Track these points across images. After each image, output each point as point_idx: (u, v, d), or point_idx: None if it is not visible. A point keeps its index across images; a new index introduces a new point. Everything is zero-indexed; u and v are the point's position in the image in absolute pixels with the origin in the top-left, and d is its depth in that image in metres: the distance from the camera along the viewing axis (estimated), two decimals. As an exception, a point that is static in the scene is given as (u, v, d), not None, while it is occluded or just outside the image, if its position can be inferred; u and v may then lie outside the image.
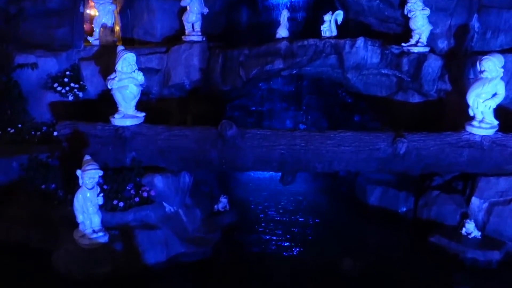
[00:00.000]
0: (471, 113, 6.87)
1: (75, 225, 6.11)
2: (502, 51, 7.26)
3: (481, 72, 6.67)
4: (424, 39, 8.01)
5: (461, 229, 6.83)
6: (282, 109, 9.73)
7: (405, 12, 8.00)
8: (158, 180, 6.57)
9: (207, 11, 8.06)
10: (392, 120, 8.32)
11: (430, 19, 7.90)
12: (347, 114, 9.47)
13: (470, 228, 6.77)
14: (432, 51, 8.06)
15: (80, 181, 5.97)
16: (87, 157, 6.05)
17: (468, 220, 6.82)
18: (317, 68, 8.19)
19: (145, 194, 6.46)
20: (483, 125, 6.77)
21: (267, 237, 7.11)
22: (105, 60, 7.76)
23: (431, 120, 7.80)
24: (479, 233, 6.74)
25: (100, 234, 6.04)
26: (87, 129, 6.89)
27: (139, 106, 7.07)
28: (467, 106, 6.87)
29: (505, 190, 6.78)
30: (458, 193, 7.39)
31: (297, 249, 6.80)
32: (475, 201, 6.96)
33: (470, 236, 6.74)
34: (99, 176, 6.02)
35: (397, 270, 6.28)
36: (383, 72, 8.19)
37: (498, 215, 6.71)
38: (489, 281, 6.20)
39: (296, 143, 6.75)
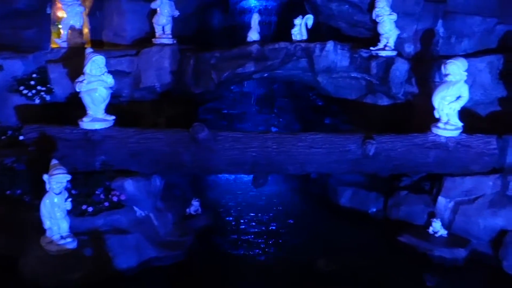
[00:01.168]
0: (436, 115, 7.08)
1: (43, 231, 5.96)
2: (466, 55, 7.51)
3: (446, 75, 6.89)
4: (391, 43, 8.21)
5: (429, 228, 7.01)
6: (254, 112, 9.78)
7: (373, 17, 8.18)
8: (129, 184, 6.49)
9: (178, 13, 8.04)
10: (362, 122, 8.48)
11: (397, 23, 8.10)
12: (319, 117, 9.59)
13: (437, 227, 6.95)
14: (399, 55, 8.26)
15: (47, 186, 5.83)
16: (54, 161, 5.92)
17: (435, 219, 7.01)
18: (289, 71, 8.29)
19: (115, 199, 6.37)
20: (448, 126, 6.98)
21: (240, 239, 7.12)
22: (74, 63, 7.62)
23: (399, 122, 7.98)
24: (446, 232, 6.93)
25: (69, 240, 5.91)
26: (54, 133, 6.75)
27: (109, 109, 6.97)
28: (433, 108, 7.08)
29: (470, 189, 7.00)
30: (426, 193, 7.58)
31: (271, 251, 6.84)
32: (441, 200, 7.16)
33: (437, 235, 6.92)
34: (67, 181, 5.90)
35: (367, 269, 6.40)
36: (352, 75, 8.35)
37: (463, 213, 6.91)
38: (456, 277, 6.38)
39: (268, 145, 6.80)
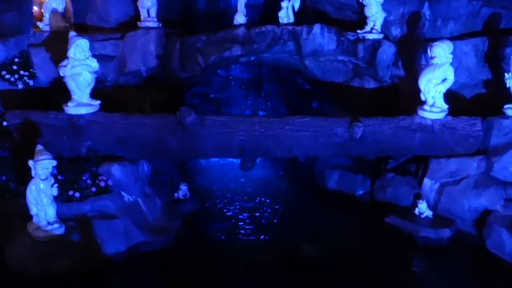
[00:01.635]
0: (422, 97, 7.13)
1: (29, 218, 5.91)
2: (452, 38, 7.55)
3: (432, 58, 6.92)
4: (378, 26, 8.20)
5: (414, 210, 7.11)
6: (241, 96, 9.73)
7: (360, 0, 8.15)
8: (116, 169, 6.44)
9: (163, -4, 7.92)
10: (349, 105, 8.51)
11: (384, 6, 8.08)
12: (306, 101, 9.58)
13: (423, 208, 7.05)
14: (386, 37, 8.27)
15: (33, 172, 5.76)
16: (39, 147, 5.83)
17: (420, 201, 7.10)
18: (276, 54, 8.25)
19: (102, 184, 6.32)
20: (434, 109, 7.04)
21: (229, 223, 7.15)
22: (57, 47, 7.47)
23: (386, 105, 8.03)
24: (431, 213, 7.04)
25: (56, 226, 5.86)
26: (39, 119, 6.64)
27: (94, 94, 6.87)
28: (419, 91, 7.12)
29: (455, 170, 7.10)
30: (412, 175, 7.67)
31: (259, 235, 6.88)
32: (427, 182, 7.25)
33: (422, 216, 7.03)
34: (53, 167, 5.83)
35: (354, 251, 6.49)
36: (339, 58, 8.34)
37: (448, 195, 7.02)
38: (440, 257, 6.51)
39: (255, 129, 6.79)
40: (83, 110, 6.70)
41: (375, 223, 7.16)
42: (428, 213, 7.03)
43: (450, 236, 6.76)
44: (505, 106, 6.99)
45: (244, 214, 7.39)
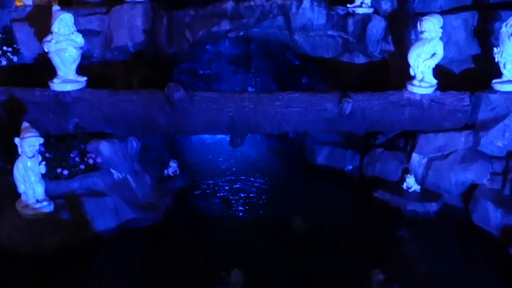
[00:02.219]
0: (412, 72, 7.12)
1: (18, 196, 5.87)
2: (442, 12, 7.49)
3: (421, 32, 6.88)
4: (368, 0, 8.10)
5: (402, 184, 7.18)
6: (230, 72, 9.64)
7: (350, -27, 8.04)
8: (104, 146, 6.39)
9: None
10: (338, 81, 8.47)
11: (374, -20, 7.98)
12: (295, 77, 9.53)
13: (411, 182, 7.13)
14: (376, 12, 8.18)
15: (19, 150, 5.69)
16: (25, 124, 5.75)
17: (408, 175, 7.17)
18: (265, 29, 8.14)
19: (91, 161, 6.28)
20: (423, 84, 7.04)
21: (219, 199, 7.19)
22: (41, 22, 7.28)
23: (375, 80, 8.01)
24: (419, 187, 7.12)
25: (45, 203, 5.84)
26: (24, 96, 6.53)
27: (80, 71, 6.76)
28: (409, 66, 7.10)
29: (443, 145, 7.16)
30: (400, 150, 7.72)
31: (249, 211, 6.93)
32: (415, 157, 7.31)
33: (410, 190, 7.10)
34: (40, 144, 5.76)
35: (343, 224, 6.58)
36: (329, 33, 8.26)
37: (436, 169, 7.10)
38: (427, 230, 6.63)
39: (245, 105, 6.75)
40: (69, 87, 6.60)
41: (364, 198, 7.24)
42: (416, 187, 7.12)
43: (437, 210, 6.87)
44: (493, 81, 7.01)
45: (234, 190, 7.42)
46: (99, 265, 5.82)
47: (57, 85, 6.58)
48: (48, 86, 6.59)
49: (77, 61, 6.62)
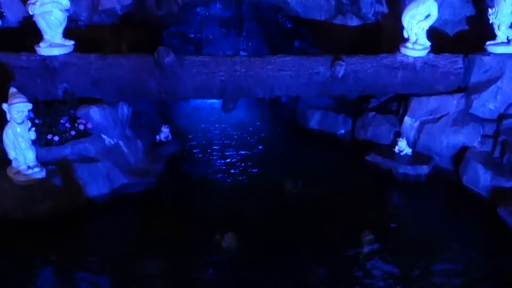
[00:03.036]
0: (405, 35, 7.03)
1: (8, 162, 5.83)
2: (437, -28, 7.32)
3: (416, -7, 6.74)
4: (362, -41, 7.90)
5: (394, 148, 7.21)
6: (221, 35, 9.45)
7: None
8: (94, 112, 6.32)
9: None
10: (331, 44, 8.34)
11: None
12: (288, 40, 9.36)
13: (402, 146, 7.16)
14: (370, -28, 7.99)
15: (8, 116, 5.61)
16: (12, 90, 5.65)
17: (400, 139, 7.19)
18: None
19: (81, 127, 6.22)
20: (416, 46, 6.97)
21: (211, 164, 7.19)
22: (24, -17, 7.03)
23: (369, 43, 7.90)
24: (410, 150, 7.16)
25: (36, 169, 5.81)
26: (10, 60, 6.37)
27: (67, 34, 6.59)
28: (402, 28, 7.00)
29: (435, 108, 7.15)
30: (392, 113, 7.71)
31: (241, 174, 6.96)
32: (407, 120, 7.31)
33: (402, 154, 7.15)
34: (29, 110, 5.68)
35: (335, 186, 6.64)
36: (322, -6, 8.08)
37: (428, 132, 7.12)
38: (418, 192, 6.71)
39: (236, 69, 6.66)
40: (56, 51, 6.44)
41: (355, 161, 7.29)
42: (407, 150, 7.16)
43: (428, 173, 6.94)
44: (487, 43, 6.96)
45: (226, 155, 7.43)
46: (92, 229, 5.87)
47: (43, 49, 6.42)
48: (34, 51, 6.43)
49: (64, 24, 6.44)
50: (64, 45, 6.51)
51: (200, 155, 7.43)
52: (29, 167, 5.80)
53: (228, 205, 6.27)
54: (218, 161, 7.26)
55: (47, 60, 6.38)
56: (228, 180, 6.84)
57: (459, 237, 5.81)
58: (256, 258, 5.33)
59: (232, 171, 7.03)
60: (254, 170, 7.09)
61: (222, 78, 6.63)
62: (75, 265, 5.20)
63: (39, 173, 5.82)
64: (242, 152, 7.55)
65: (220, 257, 5.33)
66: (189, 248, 5.48)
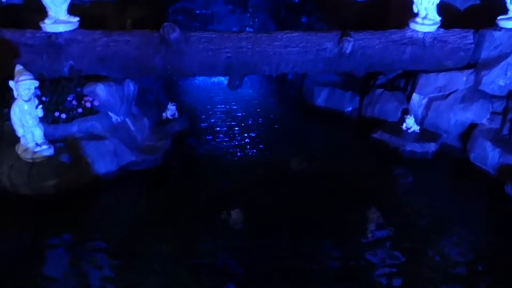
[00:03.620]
0: (415, 9, 6.89)
1: (17, 140, 5.86)
2: None
3: (427, -34, 6.58)
4: None
5: (402, 125, 7.17)
6: (227, 12, 9.33)
7: None
8: (101, 89, 6.29)
9: None
10: (338, 19, 8.22)
11: None
12: (294, 16, 9.24)
13: (410, 123, 7.11)
14: None
15: (15, 93, 5.61)
16: (19, 67, 5.63)
17: (408, 116, 7.15)
18: None
19: (88, 105, 6.22)
20: (426, 21, 6.84)
21: (218, 141, 7.20)
22: (27, -42, 6.95)
23: (377, 18, 7.77)
24: (418, 127, 7.12)
25: (44, 147, 5.84)
26: (15, 37, 6.33)
27: (72, 11, 6.52)
28: (412, 2, 6.86)
29: (444, 85, 7.07)
30: (400, 90, 7.64)
31: (248, 152, 6.97)
32: (415, 97, 7.25)
33: (409, 131, 7.11)
34: (36, 87, 5.67)
35: (342, 164, 6.64)
36: (330, -32, 7.92)
37: (436, 109, 7.06)
38: (425, 169, 6.68)
39: (242, 46, 6.58)
40: (61, 28, 6.39)
41: (362, 139, 7.25)
42: (415, 128, 7.11)
43: (436, 150, 6.90)
44: (499, 18, 6.80)
45: (233, 132, 7.42)
46: (100, 206, 5.93)
47: (48, 26, 6.37)
48: (39, 28, 6.39)
49: (68, 1, 6.37)
50: (69, 22, 6.45)
51: (206, 133, 7.43)
52: (37, 145, 5.83)
53: (234, 182, 6.30)
54: (225, 139, 7.27)
55: (52, 36, 6.34)
56: (235, 158, 6.85)
57: (466, 213, 5.80)
58: (263, 233, 5.36)
59: (238, 149, 7.03)
60: (260, 147, 7.09)
61: (228, 54, 6.56)
62: (82, 242, 5.26)
63: (47, 150, 5.86)
64: (249, 129, 7.53)
65: (227, 234, 5.38)
66: (196, 224, 5.53)
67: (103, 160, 6.12)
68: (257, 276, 4.84)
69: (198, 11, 9.22)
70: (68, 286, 4.71)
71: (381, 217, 5.62)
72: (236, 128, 7.54)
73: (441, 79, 7.08)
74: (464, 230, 5.55)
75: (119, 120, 6.52)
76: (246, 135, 7.38)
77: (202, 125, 7.63)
